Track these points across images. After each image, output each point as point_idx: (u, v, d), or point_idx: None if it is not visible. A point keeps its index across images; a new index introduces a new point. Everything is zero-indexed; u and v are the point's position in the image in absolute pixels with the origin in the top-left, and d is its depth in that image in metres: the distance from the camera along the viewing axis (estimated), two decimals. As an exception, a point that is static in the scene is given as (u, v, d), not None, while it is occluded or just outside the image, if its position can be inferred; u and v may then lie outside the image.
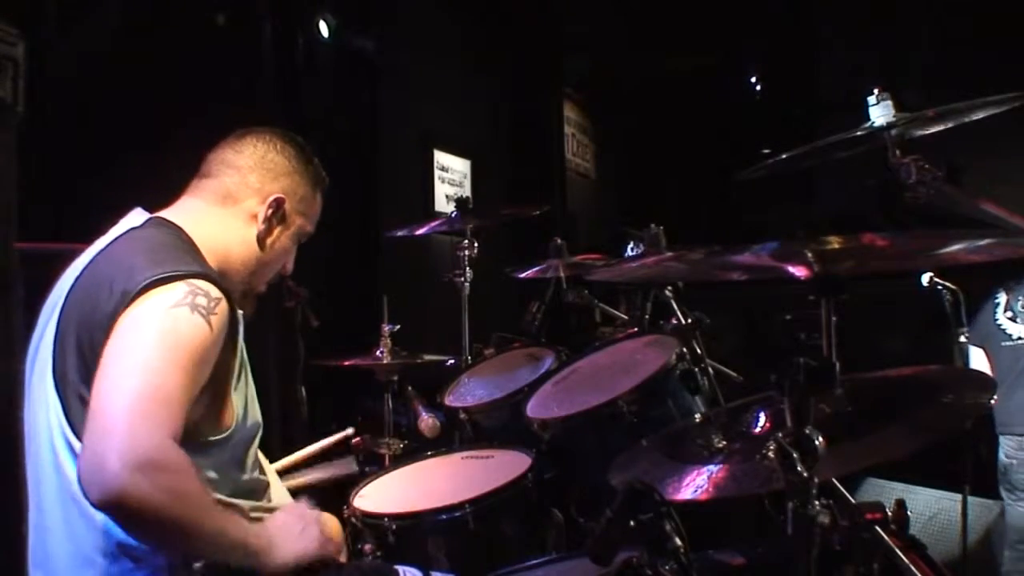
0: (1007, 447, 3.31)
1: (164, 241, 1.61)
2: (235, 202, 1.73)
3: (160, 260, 1.52)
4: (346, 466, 2.62)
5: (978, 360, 3.43)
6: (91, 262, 1.59)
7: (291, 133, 1.84)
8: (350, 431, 2.69)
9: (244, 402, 1.62)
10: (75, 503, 1.47)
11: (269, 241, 1.76)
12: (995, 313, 3.39)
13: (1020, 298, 3.33)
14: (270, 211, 1.74)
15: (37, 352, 1.58)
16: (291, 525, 1.56)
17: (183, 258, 1.56)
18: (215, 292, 1.52)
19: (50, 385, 1.51)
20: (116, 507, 1.31)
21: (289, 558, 1.50)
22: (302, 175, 1.79)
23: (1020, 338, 3.31)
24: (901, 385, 1.59)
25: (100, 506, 1.32)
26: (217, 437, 1.55)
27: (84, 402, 1.45)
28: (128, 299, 1.46)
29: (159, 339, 1.43)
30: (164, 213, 1.71)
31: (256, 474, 1.70)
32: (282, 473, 2.34)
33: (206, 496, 1.43)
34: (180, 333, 1.44)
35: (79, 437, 1.45)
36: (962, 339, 2.73)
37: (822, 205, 6.19)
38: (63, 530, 1.50)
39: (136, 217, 1.68)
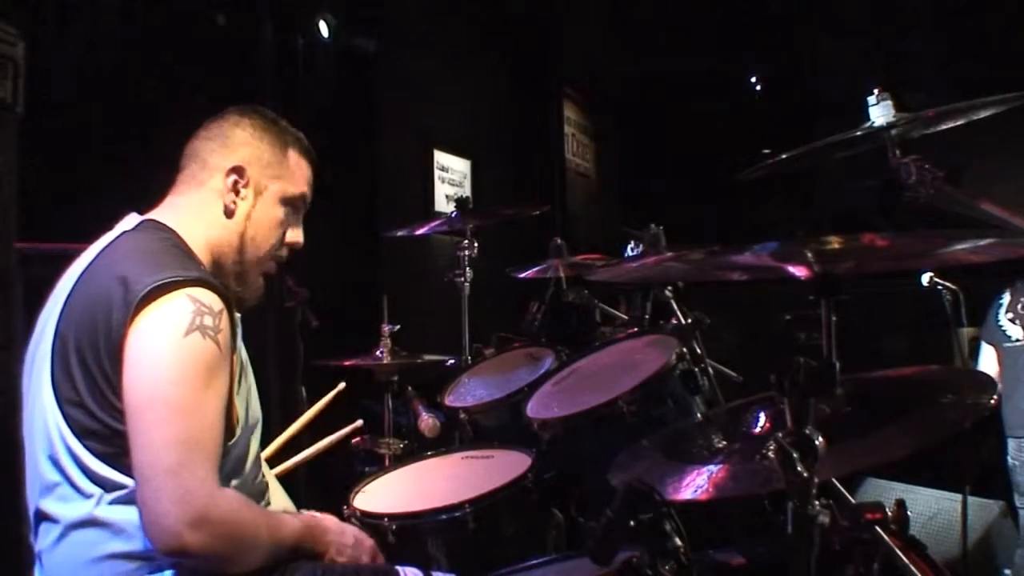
0: (1011, 449, 3.31)
1: (156, 247, 1.60)
2: (202, 185, 1.72)
3: (156, 267, 1.52)
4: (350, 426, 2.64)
5: (988, 358, 3.43)
6: (86, 270, 1.58)
7: (254, 105, 1.80)
8: (359, 423, 2.69)
9: (245, 402, 1.63)
10: (78, 506, 1.48)
11: (243, 212, 1.72)
12: (998, 313, 3.38)
13: (1022, 300, 3.31)
14: (231, 180, 1.71)
15: (34, 360, 1.58)
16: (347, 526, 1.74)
17: (177, 263, 1.56)
18: (217, 304, 1.52)
19: (48, 395, 1.51)
20: (180, 558, 1.45)
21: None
22: (262, 140, 1.75)
23: (1019, 340, 3.30)
24: (901, 385, 1.59)
25: (165, 555, 1.44)
26: (227, 444, 1.56)
27: (93, 416, 1.47)
28: (130, 311, 1.46)
29: (183, 376, 1.45)
30: (154, 214, 1.71)
31: (257, 472, 1.70)
32: (282, 477, 2.33)
33: (260, 523, 1.53)
34: (199, 364, 1.47)
35: (88, 447, 1.47)
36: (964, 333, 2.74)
37: (822, 205, 6.19)
38: (65, 533, 1.50)
39: (128, 221, 1.68)
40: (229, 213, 1.72)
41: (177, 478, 1.41)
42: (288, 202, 1.78)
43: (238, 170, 1.71)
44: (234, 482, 1.59)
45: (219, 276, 1.70)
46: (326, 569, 1.60)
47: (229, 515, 1.46)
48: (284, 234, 1.79)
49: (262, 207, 1.75)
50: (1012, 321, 3.33)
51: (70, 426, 1.48)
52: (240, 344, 1.62)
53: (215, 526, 1.42)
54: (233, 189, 1.71)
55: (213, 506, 1.43)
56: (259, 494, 1.69)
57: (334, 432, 2.64)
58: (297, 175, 1.79)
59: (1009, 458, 3.31)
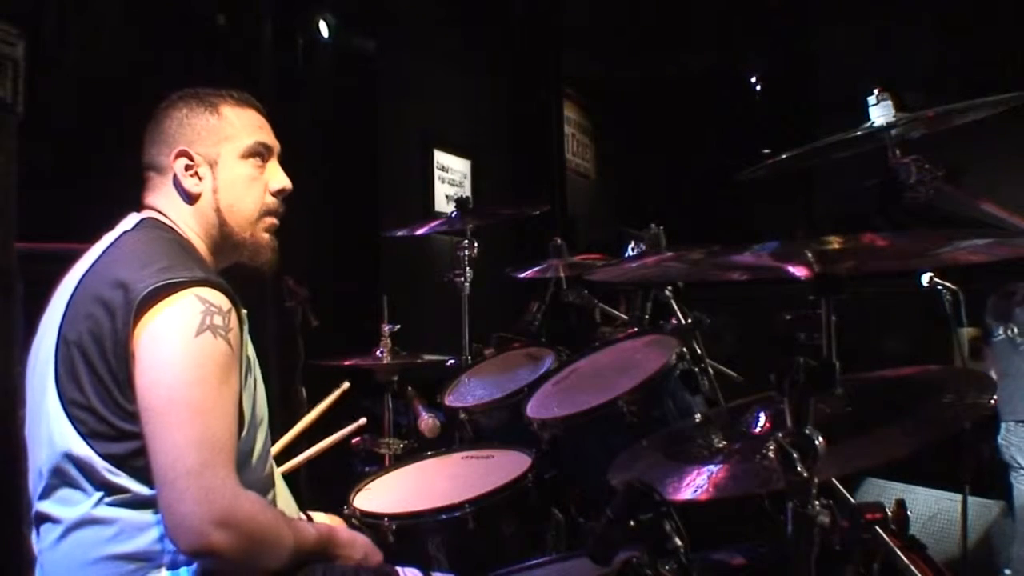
0: (1002, 431, 3.40)
1: (157, 246, 1.60)
2: (166, 186, 1.70)
3: (159, 267, 1.52)
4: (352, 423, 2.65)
5: (989, 359, 3.50)
6: (88, 272, 1.58)
7: (179, 92, 1.76)
8: (363, 421, 2.69)
9: (252, 399, 1.63)
10: (79, 507, 1.49)
11: (208, 188, 1.70)
12: (985, 316, 3.45)
13: (1005, 298, 3.37)
14: (182, 166, 1.68)
15: (36, 363, 1.57)
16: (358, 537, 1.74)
17: (180, 263, 1.55)
18: (225, 303, 1.52)
19: (53, 398, 1.50)
20: (206, 558, 1.45)
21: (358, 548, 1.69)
22: (191, 114, 1.71)
23: (999, 335, 3.38)
24: (901, 385, 1.59)
25: (191, 556, 1.45)
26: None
27: (101, 418, 1.47)
28: (133, 312, 1.46)
29: (198, 377, 1.46)
30: (150, 212, 1.70)
31: (263, 468, 1.70)
32: (285, 476, 2.33)
33: (282, 526, 1.54)
34: (213, 364, 1.47)
35: (94, 449, 1.47)
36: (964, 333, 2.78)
37: (822, 205, 6.19)
38: (65, 533, 1.50)
39: (129, 220, 1.68)
40: (195, 196, 1.70)
41: (200, 478, 1.41)
42: (248, 154, 1.73)
43: (184, 154, 1.69)
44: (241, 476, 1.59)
45: (223, 260, 1.73)
46: (327, 569, 1.61)
47: (253, 514, 1.46)
48: (263, 187, 1.75)
49: (223, 174, 1.71)
50: (995, 319, 3.41)
51: (76, 429, 1.48)
52: (247, 341, 1.62)
53: (240, 525, 1.42)
54: (189, 173, 1.69)
55: (237, 506, 1.43)
56: (265, 489, 1.69)
57: (336, 432, 2.64)
58: (242, 126, 1.73)
59: (1000, 439, 3.39)
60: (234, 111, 1.74)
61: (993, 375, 3.38)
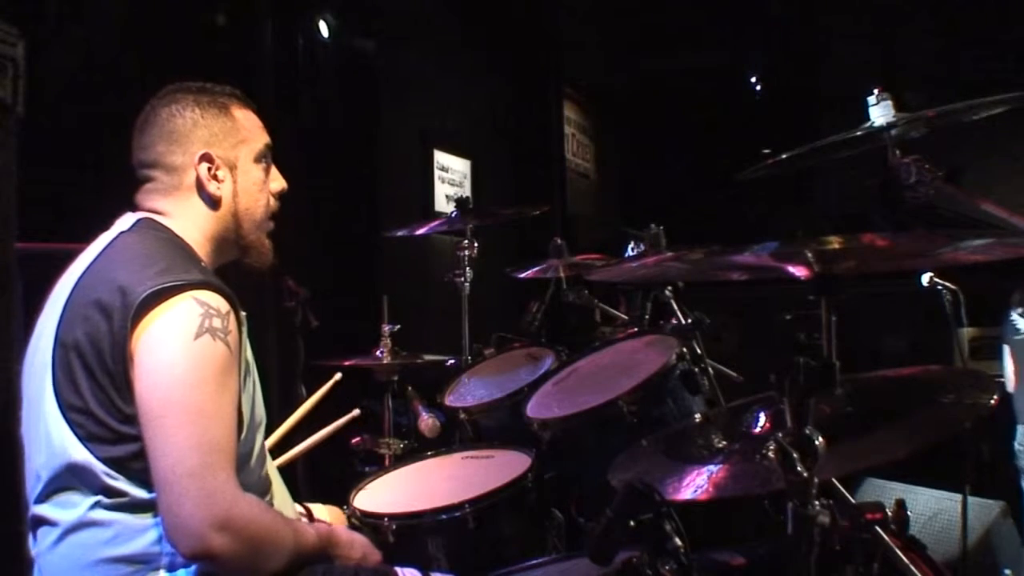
0: (1020, 435, 3.41)
1: (155, 248, 1.59)
2: (179, 188, 1.68)
3: (157, 270, 1.51)
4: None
5: (1007, 358, 3.56)
6: (84, 274, 1.56)
7: (170, 88, 1.75)
8: (356, 412, 2.69)
9: (251, 401, 1.63)
10: (77, 510, 1.49)
11: (228, 192, 1.70)
12: (1011, 311, 3.48)
13: None
14: (204, 169, 1.67)
15: (33, 365, 1.56)
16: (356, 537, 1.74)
17: (178, 265, 1.55)
18: (224, 305, 1.51)
19: (50, 402, 1.50)
20: (205, 562, 1.44)
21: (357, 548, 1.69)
22: (205, 115, 1.69)
23: None
24: (901, 385, 1.59)
25: (190, 559, 1.45)
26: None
27: (100, 422, 1.46)
28: (131, 315, 1.45)
29: (198, 380, 1.45)
30: (147, 212, 1.68)
31: (260, 469, 1.70)
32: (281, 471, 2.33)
33: (282, 528, 1.54)
34: (213, 367, 1.47)
35: (93, 452, 1.46)
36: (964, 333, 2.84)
37: (822, 205, 6.19)
38: (63, 536, 1.50)
39: (125, 220, 1.66)
40: (217, 200, 1.69)
41: (200, 481, 1.40)
42: (259, 158, 1.75)
43: (206, 157, 1.67)
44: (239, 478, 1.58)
45: (221, 260, 1.72)
46: (326, 569, 1.61)
47: (253, 517, 1.46)
48: (268, 189, 1.77)
49: (243, 178, 1.72)
50: (1022, 315, 3.44)
51: (74, 432, 1.47)
52: (246, 343, 1.62)
53: (239, 528, 1.42)
54: (211, 176, 1.68)
55: (236, 509, 1.43)
56: (262, 491, 1.69)
57: (329, 425, 2.63)
58: (252, 128, 1.75)
59: (1016, 443, 3.40)
60: (241, 112, 1.75)
61: (1011, 375, 3.46)
